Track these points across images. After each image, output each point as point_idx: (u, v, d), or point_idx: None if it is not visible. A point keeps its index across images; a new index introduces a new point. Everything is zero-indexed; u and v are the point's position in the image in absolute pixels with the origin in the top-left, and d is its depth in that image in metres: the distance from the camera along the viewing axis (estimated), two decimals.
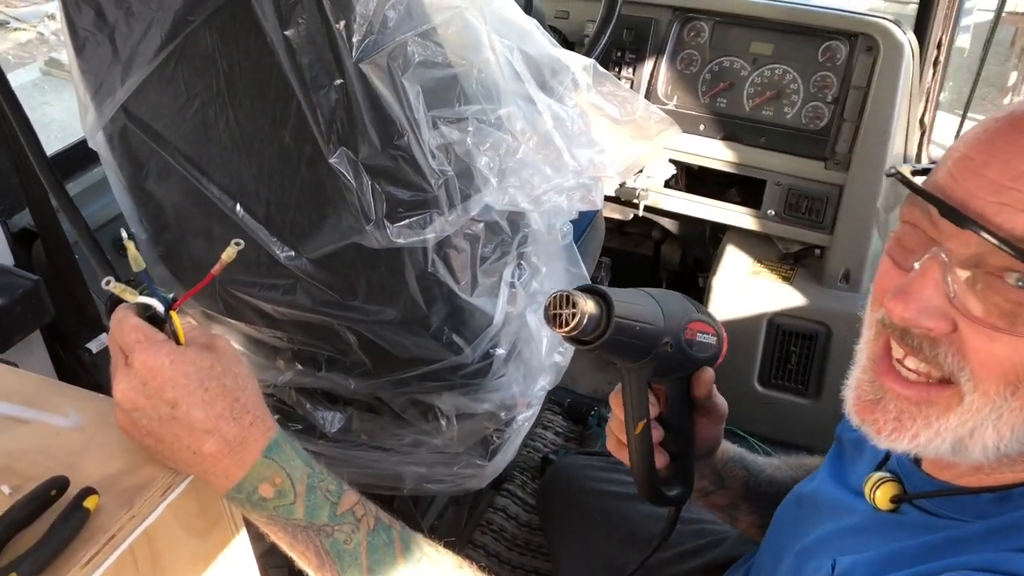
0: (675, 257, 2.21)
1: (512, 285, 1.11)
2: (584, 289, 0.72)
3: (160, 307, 0.70)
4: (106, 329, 1.40)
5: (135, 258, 0.70)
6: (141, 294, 0.69)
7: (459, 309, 1.06)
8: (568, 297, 0.70)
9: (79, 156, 1.35)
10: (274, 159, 0.98)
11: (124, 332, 0.68)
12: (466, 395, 1.18)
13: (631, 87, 1.87)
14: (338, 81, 0.85)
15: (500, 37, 0.88)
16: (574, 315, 0.69)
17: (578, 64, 0.96)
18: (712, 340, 0.81)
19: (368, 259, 1.02)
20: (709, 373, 0.84)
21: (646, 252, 2.27)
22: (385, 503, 1.49)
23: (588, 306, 0.70)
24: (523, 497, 1.86)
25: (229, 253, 0.73)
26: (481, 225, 1.02)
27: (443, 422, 1.22)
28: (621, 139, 0.97)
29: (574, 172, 0.95)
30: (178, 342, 0.70)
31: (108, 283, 0.67)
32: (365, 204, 0.93)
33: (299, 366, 1.29)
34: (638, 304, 0.75)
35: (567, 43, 1.88)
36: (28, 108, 1.14)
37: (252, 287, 1.18)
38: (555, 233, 1.11)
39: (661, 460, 0.85)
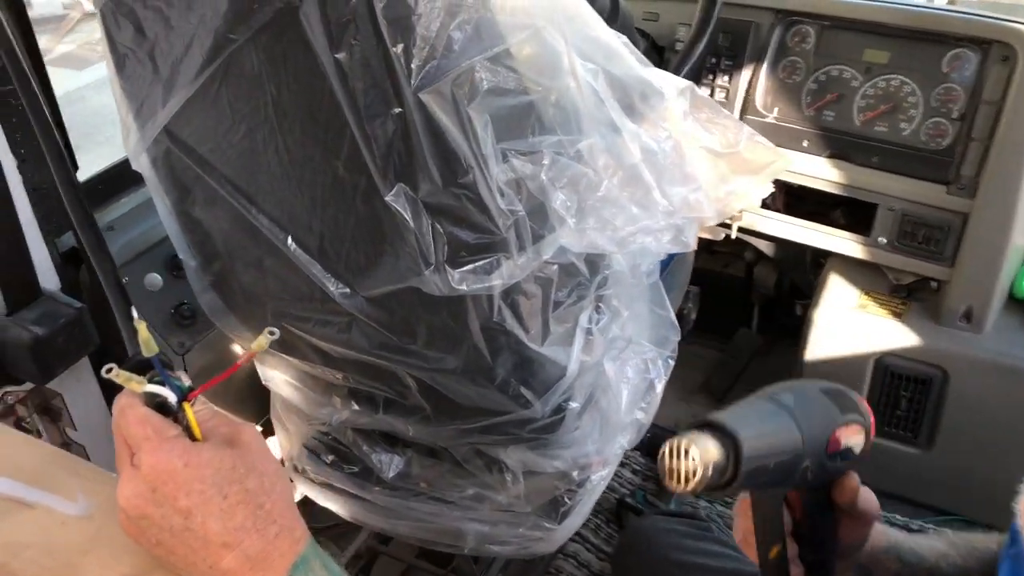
0: (769, 281, 2.06)
1: (589, 331, 1.01)
2: (700, 425, 0.60)
3: (172, 398, 0.62)
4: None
5: (146, 341, 0.62)
6: (151, 381, 0.61)
7: (528, 360, 0.96)
8: (685, 448, 0.58)
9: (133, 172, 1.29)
10: (327, 191, 0.90)
11: (129, 425, 0.61)
12: (535, 450, 1.08)
13: (726, 97, 1.74)
14: (396, 110, 0.76)
15: (582, 58, 0.78)
16: (695, 471, 0.57)
17: (672, 87, 0.85)
18: (860, 439, 0.68)
19: (428, 302, 0.93)
20: (854, 479, 0.71)
21: (737, 273, 2.13)
22: (444, 560, 1.41)
23: (710, 453, 0.58)
24: (596, 543, 1.75)
25: (260, 343, 0.67)
26: (555, 267, 0.92)
27: (509, 477, 1.13)
28: (721, 173, 0.86)
29: (665, 212, 0.84)
30: (193, 437, 0.62)
31: (110, 371, 0.59)
32: (424, 246, 0.84)
33: (356, 405, 1.21)
34: (770, 431, 0.62)
35: (656, 48, 1.76)
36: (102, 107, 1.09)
37: (306, 322, 1.10)
38: (640, 274, 1.00)
39: (796, 572, 0.72)
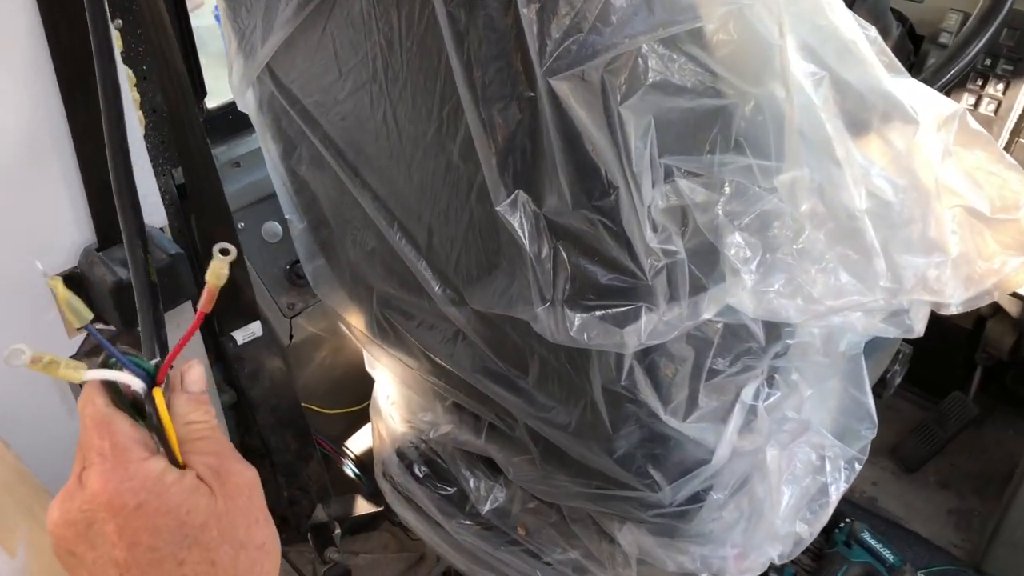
0: (1004, 342, 1.70)
1: (752, 409, 0.78)
2: None
3: (138, 386, 0.46)
4: (259, 317, 1.24)
5: (67, 303, 0.45)
6: (105, 366, 0.45)
7: (661, 437, 0.75)
8: None
9: None
10: (440, 179, 0.72)
11: (86, 429, 0.46)
12: (656, 536, 0.88)
13: (995, 112, 1.41)
14: (527, 94, 0.57)
15: (803, 55, 0.54)
16: None
17: (932, 110, 0.60)
18: None
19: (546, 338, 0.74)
20: None
21: (962, 324, 1.78)
22: None
23: None
24: None
25: (217, 273, 0.47)
26: (719, 326, 0.70)
27: (620, 557, 0.93)
28: (983, 245, 0.61)
29: (887, 288, 0.60)
30: (176, 465, 0.46)
31: (18, 356, 0.42)
32: (542, 275, 0.64)
33: (458, 422, 1.05)
34: None
35: (914, 37, 1.44)
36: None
37: (410, 320, 0.95)
38: (835, 349, 0.76)
39: None
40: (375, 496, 1.35)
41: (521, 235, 0.63)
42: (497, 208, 0.62)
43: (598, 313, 0.65)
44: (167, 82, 1.06)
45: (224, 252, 0.46)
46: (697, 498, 0.82)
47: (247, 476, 0.48)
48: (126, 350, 0.46)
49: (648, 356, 0.69)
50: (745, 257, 0.62)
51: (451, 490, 1.11)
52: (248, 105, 0.89)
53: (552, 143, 0.57)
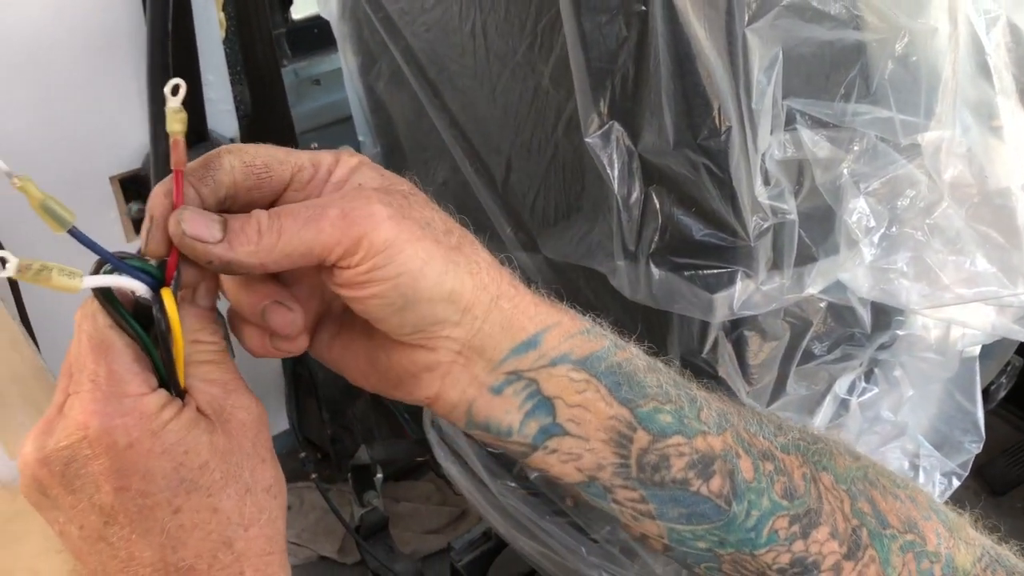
0: None
1: (844, 404, 0.70)
2: None
3: (142, 289, 0.38)
4: None
5: (40, 205, 0.37)
6: (99, 271, 0.38)
7: None
8: None
9: None
10: (526, 105, 0.66)
11: (80, 348, 0.39)
12: None
13: None
14: (637, 7, 0.49)
15: None
16: None
17: None
18: None
19: (623, 296, 0.67)
20: None
21: None
22: None
23: None
24: None
25: (178, 119, 0.38)
26: (822, 305, 0.62)
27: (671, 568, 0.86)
28: None
29: None
30: (175, 384, 0.40)
31: (2, 264, 0.35)
32: (626, 223, 0.57)
33: None
34: None
35: None
36: None
37: None
38: (951, 348, 0.68)
39: None
40: (421, 444, 1.30)
41: (610, 173, 0.55)
42: (587, 140, 0.55)
43: (686, 272, 0.57)
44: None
45: (174, 91, 0.37)
46: None
47: (254, 411, 0.41)
48: (124, 254, 0.39)
49: (737, 329, 0.62)
50: (868, 227, 0.54)
51: (499, 449, 1.05)
52: (330, 11, 0.83)
53: (660, 67, 0.49)
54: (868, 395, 0.72)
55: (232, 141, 1.07)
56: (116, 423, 0.37)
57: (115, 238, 1.09)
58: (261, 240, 0.37)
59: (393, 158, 0.94)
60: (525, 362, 0.41)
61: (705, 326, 0.61)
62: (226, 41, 1.04)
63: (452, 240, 0.40)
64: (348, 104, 1.19)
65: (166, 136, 0.42)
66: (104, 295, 0.39)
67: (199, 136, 1.03)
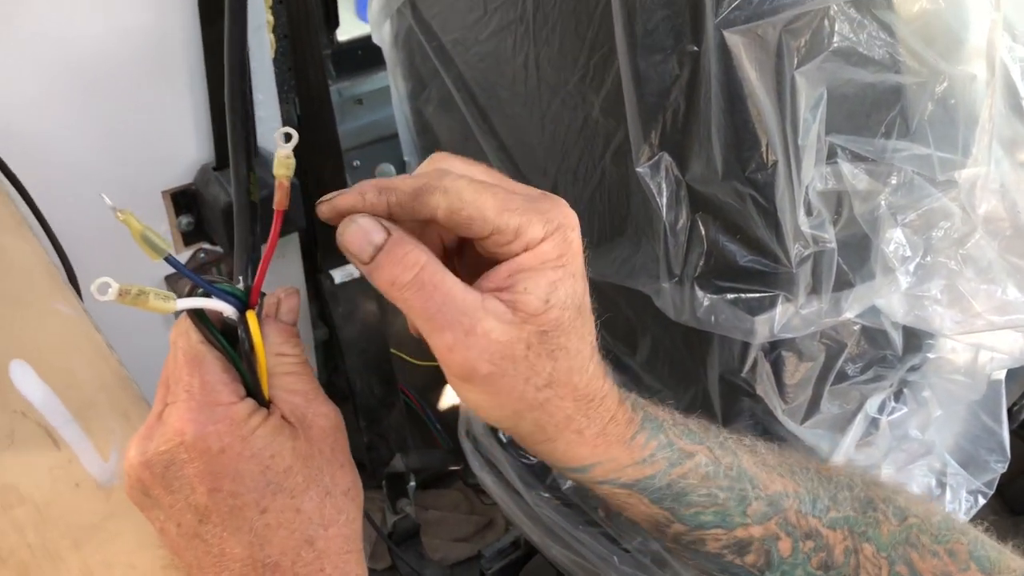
0: None
1: (874, 423, 0.73)
2: None
3: (229, 311, 0.43)
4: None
5: (140, 235, 0.40)
6: (191, 294, 0.42)
7: (776, 438, 0.71)
8: None
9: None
10: (575, 132, 0.69)
11: (177, 362, 0.43)
12: None
13: None
14: (689, 47, 0.52)
15: (1014, 36, 0.49)
16: None
17: None
18: None
19: (663, 316, 0.70)
20: None
21: None
22: None
23: None
24: None
25: (285, 164, 0.41)
26: (856, 328, 0.65)
27: None
28: None
29: None
30: (259, 396, 0.43)
31: (106, 290, 0.38)
32: (672, 248, 0.60)
33: None
34: None
35: None
36: None
37: None
38: (980, 371, 0.70)
39: None
40: (453, 453, 1.33)
41: (658, 201, 0.59)
42: (637, 169, 0.58)
43: (730, 296, 0.60)
44: (294, 8, 1.05)
45: (286, 138, 0.41)
46: None
47: (333, 419, 0.45)
48: (213, 278, 0.43)
49: (775, 350, 0.65)
50: (904, 256, 0.57)
51: (533, 460, 1.08)
52: (383, 38, 0.87)
53: (711, 104, 0.52)
54: (897, 414, 0.74)
55: None
56: (209, 429, 0.41)
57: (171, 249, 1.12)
58: (397, 288, 0.39)
59: None
60: (574, 476, 0.46)
61: (745, 346, 0.64)
62: (275, 61, 1.08)
63: (538, 394, 0.42)
64: (389, 123, 1.23)
65: (247, 152, 0.46)
66: (196, 314, 0.43)
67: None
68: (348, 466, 0.45)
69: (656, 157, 0.58)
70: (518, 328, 0.40)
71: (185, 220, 1.11)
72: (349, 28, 1.26)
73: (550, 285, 0.41)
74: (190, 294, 0.43)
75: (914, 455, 0.77)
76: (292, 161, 0.41)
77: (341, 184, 1.06)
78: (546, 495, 1.05)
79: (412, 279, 0.39)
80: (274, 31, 1.07)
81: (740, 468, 0.49)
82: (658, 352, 0.75)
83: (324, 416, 0.44)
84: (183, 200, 1.09)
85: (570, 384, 0.42)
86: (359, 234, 0.39)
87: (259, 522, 0.41)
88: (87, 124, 0.98)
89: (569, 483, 1.05)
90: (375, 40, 0.88)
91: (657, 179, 0.58)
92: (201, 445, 0.41)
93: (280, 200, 0.42)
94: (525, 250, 0.40)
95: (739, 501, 0.48)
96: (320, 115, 1.01)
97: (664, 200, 0.59)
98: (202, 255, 1.17)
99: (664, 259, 0.61)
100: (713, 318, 0.61)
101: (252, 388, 0.44)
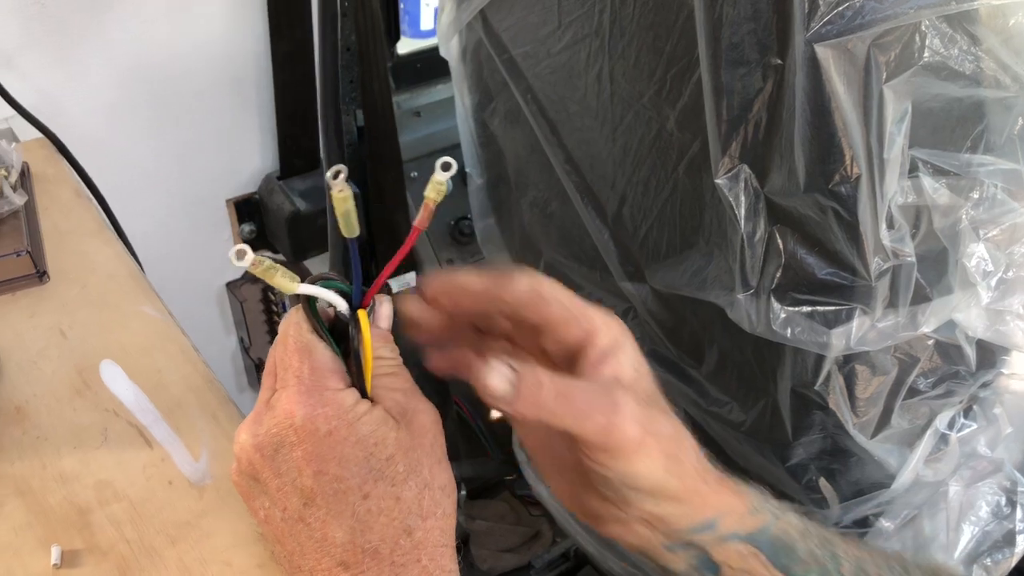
0: None
1: (944, 439, 0.72)
2: None
3: (342, 306, 0.45)
4: (417, 268, 1.25)
5: (346, 214, 0.44)
6: (319, 284, 0.44)
7: (843, 452, 0.70)
8: None
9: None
10: (647, 145, 0.69)
11: (287, 350, 0.45)
12: None
13: None
14: (774, 60, 0.53)
15: None
16: None
17: None
18: None
19: (732, 329, 0.70)
20: None
21: None
22: None
23: None
24: None
25: (437, 189, 0.44)
26: (930, 343, 0.65)
27: None
28: None
29: None
30: (363, 390, 0.45)
31: (242, 256, 0.40)
32: (749, 260, 0.61)
33: None
34: None
35: None
36: None
37: (578, 289, 0.90)
38: None
39: None
40: (504, 464, 1.34)
41: (737, 213, 0.59)
42: (716, 181, 0.58)
43: (806, 308, 0.60)
44: (361, 21, 1.06)
45: (445, 167, 0.43)
46: (865, 523, 0.77)
47: (433, 415, 0.46)
48: (328, 275, 0.45)
49: (849, 363, 0.64)
50: (985, 271, 0.57)
51: None
52: (451, 51, 0.88)
53: (796, 117, 0.53)
54: (967, 431, 0.74)
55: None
56: (318, 412, 0.43)
57: (227, 255, 1.14)
58: (542, 408, 0.42)
59: (498, 189, 0.99)
60: (701, 538, 0.46)
61: (819, 360, 0.63)
62: (343, 76, 1.10)
63: (672, 446, 0.44)
64: (446, 136, 1.25)
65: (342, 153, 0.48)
66: (309, 307, 0.44)
67: (311, 163, 1.08)
68: (445, 463, 0.45)
69: (735, 169, 0.58)
70: (635, 392, 0.44)
71: (247, 228, 1.13)
72: (407, 41, 1.28)
73: (635, 354, 0.46)
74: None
75: (983, 473, 0.76)
76: (444, 188, 0.44)
77: (401, 195, 1.08)
78: None
79: (552, 394, 0.42)
80: (338, 44, 1.09)
81: (817, 528, 0.49)
82: (725, 364, 0.75)
83: (424, 412, 0.45)
84: (246, 209, 1.12)
85: (685, 432, 0.45)
86: (494, 375, 0.42)
87: (361, 507, 0.42)
88: (157, 132, 1.01)
89: None
90: (442, 53, 0.89)
91: (736, 191, 0.58)
92: (309, 427, 0.42)
93: (422, 219, 0.44)
94: (594, 332, 0.45)
95: (832, 558, 0.48)
96: (383, 127, 1.02)
97: (743, 212, 0.59)
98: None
99: (740, 271, 0.62)
100: (789, 330, 0.61)
101: (356, 384, 0.45)
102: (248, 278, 1.17)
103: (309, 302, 0.44)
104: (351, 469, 0.42)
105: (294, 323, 0.45)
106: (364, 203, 1.12)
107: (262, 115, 1.05)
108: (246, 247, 0.41)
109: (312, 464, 0.42)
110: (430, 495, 0.44)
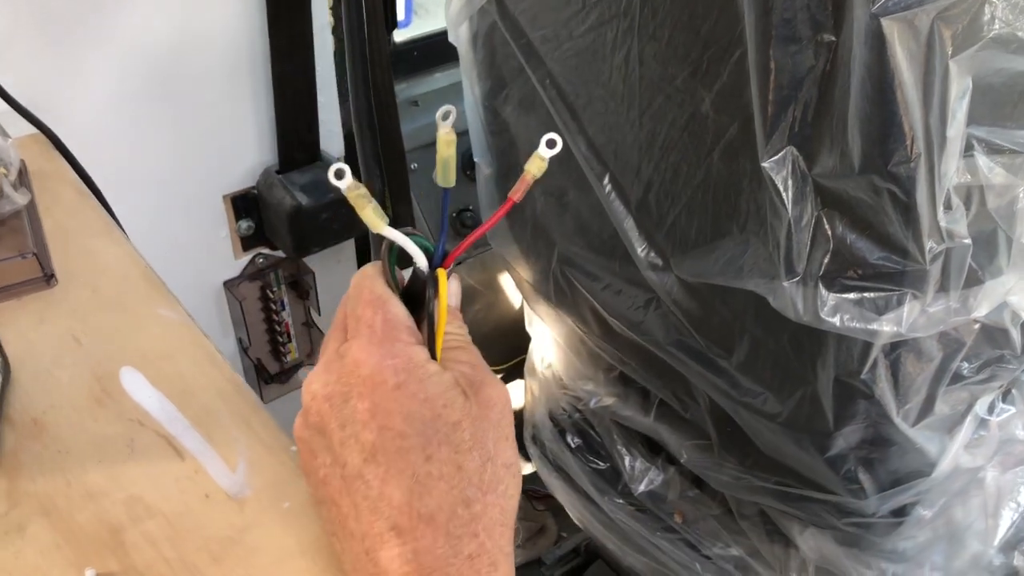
0: None
1: (983, 424, 0.71)
2: None
3: (421, 261, 0.44)
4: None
5: (443, 160, 0.44)
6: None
7: (885, 440, 0.69)
8: None
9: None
10: (677, 129, 0.67)
11: (360, 300, 0.44)
12: (843, 547, 0.81)
13: None
14: (827, 37, 0.50)
15: None
16: None
17: None
18: None
19: (767, 318, 0.68)
20: None
21: None
22: None
23: None
24: None
25: (539, 165, 0.45)
26: (976, 327, 0.63)
27: (794, 562, 0.87)
28: None
29: None
30: (433, 353, 0.43)
31: (341, 175, 0.41)
32: (796, 245, 0.58)
33: (623, 395, 1.00)
34: None
35: None
36: None
37: (595, 281, 0.90)
38: None
39: None
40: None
41: (784, 197, 0.57)
42: (763, 164, 0.56)
43: (855, 295, 0.58)
44: (359, 7, 1.03)
45: (551, 144, 0.43)
46: (902, 512, 0.76)
47: (502, 391, 0.44)
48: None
49: (896, 350, 0.63)
50: None
51: (603, 465, 1.06)
52: (460, 38, 0.85)
53: (851, 96, 0.50)
54: (1004, 415, 0.73)
55: (342, 159, 1.10)
56: (388, 363, 0.41)
57: (225, 252, 1.11)
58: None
59: (509, 178, 0.96)
60: None
61: (866, 347, 0.62)
62: (336, 63, 1.07)
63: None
64: None
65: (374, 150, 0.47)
66: (388, 259, 0.44)
67: (312, 157, 1.05)
68: (512, 440, 0.44)
69: (783, 152, 0.56)
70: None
71: (245, 224, 1.09)
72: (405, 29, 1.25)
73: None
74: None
75: (1021, 457, 0.75)
76: (545, 165, 0.44)
77: (405, 189, 1.05)
78: (619, 501, 1.03)
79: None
80: (334, 32, 1.06)
81: None
82: (758, 353, 0.73)
83: (493, 386, 0.44)
84: (243, 204, 1.08)
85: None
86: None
87: (422, 469, 0.40)
88: (148, 124, 0.97)
89: (643, 488, 1.03)
90: (451, 39, 0.86)
91: (783, 174, 0.56)
92: (378, 378, 0.41)
93: (518, 191, 0.45)
94: None
95: None
96: (386, 118, 0.99)
97: (789, 196, 0.57)
98: (261, 259, 1.15)
99: (784, 258, 0.59)
100: (838, 318, 0.59)
101: (428, 345, 0.44)
102: (246, 277, 1.14)
103: (388, 256, 0.44)
104: (416, 427, 0.40)
105: (369, 275, 0.44)
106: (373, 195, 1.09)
107: (259, 107, 1.01)
108: (345, 166, 0.41)
109: (377, 417, 0.40)
110: (492, 470, 0.42)
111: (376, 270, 0.44)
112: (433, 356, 0.43)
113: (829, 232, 0.58)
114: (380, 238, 0.44)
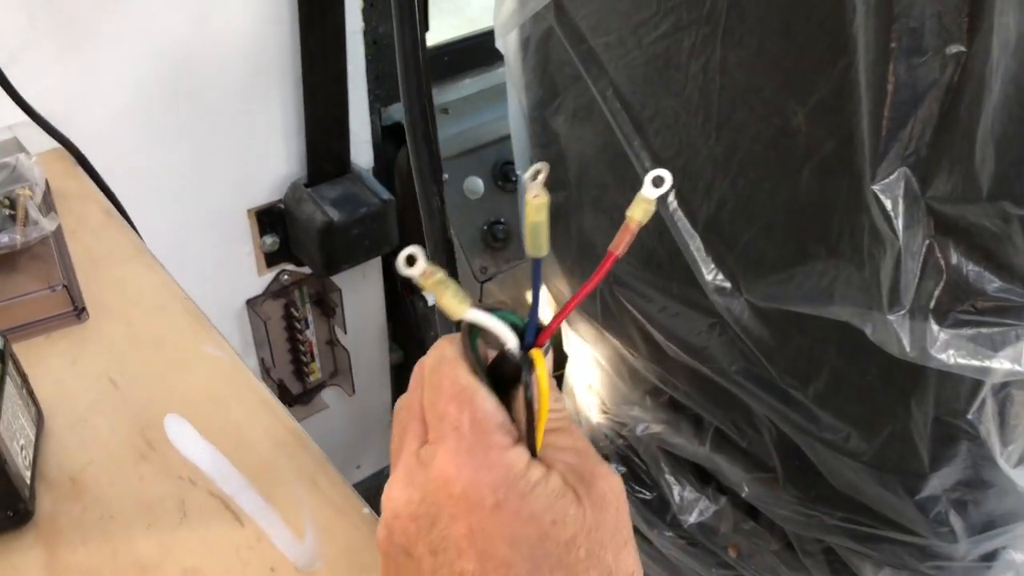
0: None
1: None
2: None
3: (512, 343, 0.36)
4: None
5: (533, 226, 0.34)
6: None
7: (983, 483, 0.64)
8: None
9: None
10: (761, 144, 0.62)
11: (441, 391, 0.36)
12: None
13: None
14: (954, 49, 0.46)
15: None
16: None
17: None
18: None
19: (852, 348, 0.63)
20: None
21: None
22: None
23: None
24: None
25: (645, 209, 0.34)
26: None
27: None
28: None
29: None
30: (533, 448, 0.36)
31: (412, 262, 0.32)
32: (904, 275, 0.53)
33: (673, 423, 0.95)
34: None
35: None
36: None
37: (648, 302, 0.85)
38: None
39: None
40: None
41: (894, 223, 0.52)
42: (873, 186, 0.51)
43: (968, 331, 0.53)
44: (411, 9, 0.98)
45: (657, 183, 0.34)
46: (991, 557, 0.71)
47: (617, 484, 0.37)
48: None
49: (1005, 388, 0.58)
50: None
51: (650, 495, 1.01)
52: (508, 45, 0.80)
53: (985, 113, 0.45)
54: None
55: (371, 170, 1.05)
56: (483, 479, 0.34)
57: (248, 269, 1.06)
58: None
59: (555, 193, 0.91)
60: None
61: (975, 386, 0.57)
62: (367, 69, 1.02)
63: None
64: (475, 134, 1.17)
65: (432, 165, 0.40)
66: (471, 339, 0.36)
67: (341, 168, 1.00)
68: (632, 544, 0.37)
69: (897, 173, 0.51)
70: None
71: (270, 240, 1.04)
72: (434, 34, 1.19)
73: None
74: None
75: None
76: (652, 209, 0.35)
77: (441, 205, 1.00)
78: (669, 533, 0.98)
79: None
80: (364, 36, 1.01)
81: None
82: (839, 387, 0.68)
83: (606, 479, 0.37)
84: (267, 219, 1.03)
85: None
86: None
87: None
88: (170, 135, 0.92)
89: (693, 520, 0.98)
90: (498, 46, 0.81)
91: (895, 196, 0.51)
92: (473, 496, 0.34)
93: (620, 244, 0.35)
94: None
95: None
96: (424, 131, 0.94)
97: (900, 221, 0.52)
98: (285, 276, 1.10)
99: (890, 288, 0.54)
100: (948, 354, 0.54)
101: (527, 440, 0.37)
102: (270, 294, 1.08)
103: (471, 335, 0.36)
104: (523, 552, 0.34)
105: (449, 359, 0.36)
106: (397, 209, 1.04)
107: (287, 118, 0.96)
108: (418, 250, 0.33)
109: (476, 544, 0.34)
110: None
111: (457, 352, 0.37)
112: (532, 449, 0.37)
113: (942, 262, 0.53)
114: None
